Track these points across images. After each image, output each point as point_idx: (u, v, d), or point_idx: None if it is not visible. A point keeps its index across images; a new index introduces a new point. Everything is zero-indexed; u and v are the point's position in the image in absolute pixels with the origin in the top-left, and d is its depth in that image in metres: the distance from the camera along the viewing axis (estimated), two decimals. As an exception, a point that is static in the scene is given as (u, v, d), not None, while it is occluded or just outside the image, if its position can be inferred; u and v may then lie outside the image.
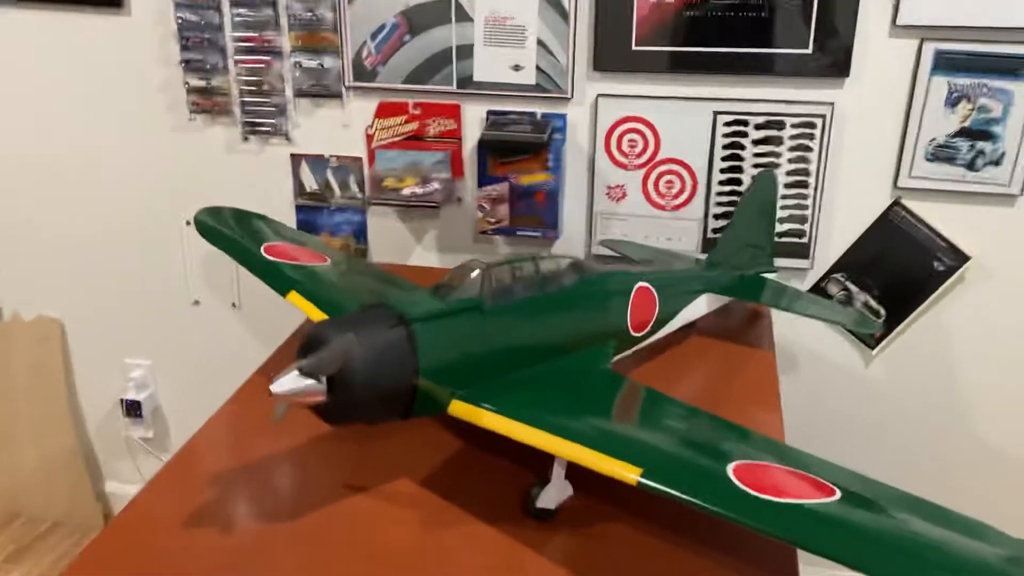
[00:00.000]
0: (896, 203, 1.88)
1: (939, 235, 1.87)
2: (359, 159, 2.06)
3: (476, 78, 1.93)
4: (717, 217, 1.94)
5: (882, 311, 1.96)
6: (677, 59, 1.83)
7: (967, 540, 0.92)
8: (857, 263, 1.94)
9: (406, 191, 1.98)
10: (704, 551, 1.10)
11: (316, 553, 1.09)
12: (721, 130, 1.88)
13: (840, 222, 1.91)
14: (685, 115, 1.88)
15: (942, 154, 1.81)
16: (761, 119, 1.86)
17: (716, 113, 1.87)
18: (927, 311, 1.92)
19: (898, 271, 1.92)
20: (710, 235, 1.95)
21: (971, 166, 1.81)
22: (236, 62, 2.01)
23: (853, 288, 1.96)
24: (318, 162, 2.08)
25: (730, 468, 1.00)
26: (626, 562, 1.09)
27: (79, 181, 2.22)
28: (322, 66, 1.98)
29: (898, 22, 1.74)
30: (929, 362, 1.97)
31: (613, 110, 1.90)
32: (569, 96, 1.91)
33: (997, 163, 1.80)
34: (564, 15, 1.85)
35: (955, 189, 1.83)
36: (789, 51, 1.79)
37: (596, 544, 1.12)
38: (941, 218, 1.86)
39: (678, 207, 1.95)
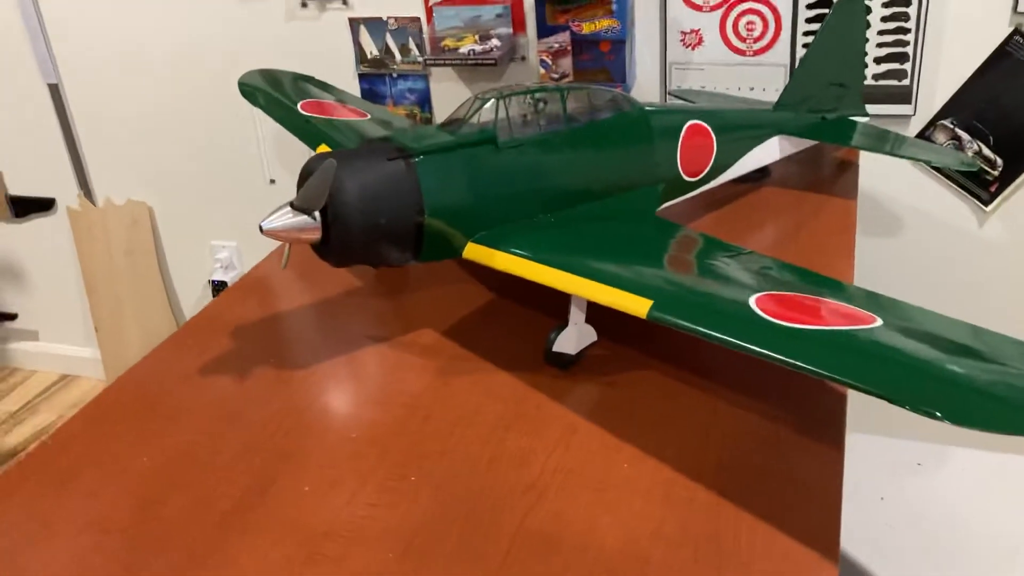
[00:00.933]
0: (1017, 31, 1.62)
1: (1069, 67, 1.61)
2: (417, 19, 1.96)
3: (534, -82, 1.77)
4: (804, 60, 1.74)
5: (998, 161, 1.72)
6: None
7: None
8: (969, 106, 1.70)
9: (464, 50, 1.87)
10: (739, 399, 0.99)
11: (319, 402, 1.05)
12: (807, -42, 1.66)
13: (948, 58, 1.68)
14: (765, -57, 1.67)
15: (1074, -32, 1.54)
16: (853, -59, 1.62)
17: (801, -62, 1.65)
18: (1052, 159, 1.68)
19: (1019, 114, 1.67)
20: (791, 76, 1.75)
21: (1110, -20, 1.53)
22: (287, -79, 1.93)
23: (964, 135, 1.73)
24: (377, 25, 1.99)
25: (754, 298, 0.87)
26: (647, 408, 0.99)
27: (153, 65, 2.22)
28: (372, -82, 1.87)
29: None
30: (1055, 218, 1.73)
31: (684, -56, 1.72)
32: (635, -69, 1.73)
33: None
34: None
35: (1090, 10, 1.56)
36: None
37: (616, 391, 1.03)
38: (1072, 47, 1.60)
39: (761, 51, 1.76)
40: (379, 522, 0.85)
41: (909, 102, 1.72)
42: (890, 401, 0.71)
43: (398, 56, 2.01)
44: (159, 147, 2.33)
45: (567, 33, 1.77)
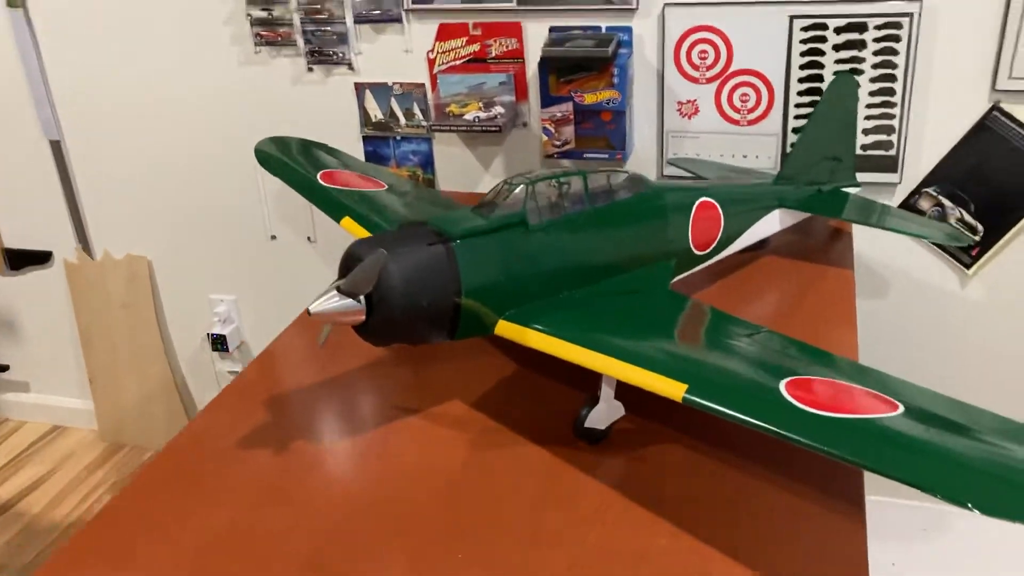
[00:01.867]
0: (995, 108, 1.72)
1: (1044, 141, 1.72)
2: (422, 85, 2.02)
3: (537, -7, 1.85)
4: (796, 131, 1.83)
5: (979, 227, 1.82)
6: (749, -39, 1.72)
7: None
8: (951, 176, 1.80)
9: (469, 116, 1.94)
10: (763, 474, 1.05)
11: (360, 477, 1.09)
12: (798, 36, 1.75)
13: (931, 131, 1.77)
14: (759, 21, 1.76)
15: (1048, 50, 1.65)
16: (841, 21, 1.72)
17: (792, 17, 1.74)
18: (1031, 225, 1.78)
19: (997, 183, 1.77)
20: (789, 150, 1.84)
21: (1081, 62, 1.64)
22: (296, -9, 1.99)
23: (947, 203, 1.82)
24: (382, 90, 2.05)
25: (783, 384, 0.94)
26: (677, 483, 1.05)
27: (157, 123, 2.26)
28: (380, -11, 1.94)
29: (996, -96, 1.57)
30: (1034, 281, 1.83)
31: (682, 20, 1.80)
32: (635, 7, 1.81)
33: (1111, 58, 1.62)
34: (627, -80, 1.75)
35: (1063, 89, 1.67)
36: (872, -56, 1.65)
37: (646, 465, 1.08)
38: (1046, 122, 1.70)
39: (754, 121, 1.85)
40: (433, 600, 0.89)
41: (895, 171, 1.81)
42: (921, 490, 0.77)
43: (402, 120, 2.07)
44: (161, 202, 2.36)
45: (570, 103, 1.84)
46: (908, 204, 1.85)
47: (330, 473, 1.10)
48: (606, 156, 1.88)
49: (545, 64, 1.82)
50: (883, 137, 1.78)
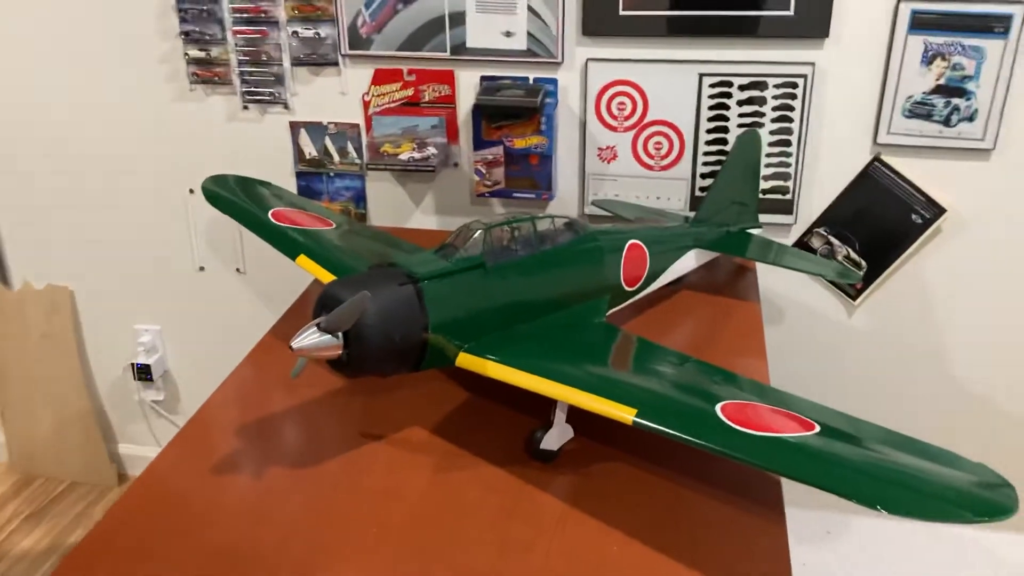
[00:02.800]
0: (876, 159, 1.95)
1: (917, 189, 1.95)
2: (356, 125, 2.12)
3: (469, 44, 1.98)
4: (704, 176, 2.02)
5: (863, 263, 2.04)
6: (663, 23, 1.90)
7: (940, 467, 1.01)
8: (838, 218, 2.02)
9: (404, 156, 2.05)
10: (695, 484, 1.19)
11: (336, 498, 1.18)
12: (707, 91, 1.95)
13: (822, 179, 1.99)
14: (672, 77, 1.94)
15: (919, 111, 1.89)
16: (745, 80, 1.92)
17: (702, 75, 1.93)
18: (906, 262, 2.01)
19: (878, 224, 2.00)
20: (698, 193, 2.03)
21: (947, 122, 1.88)
22: (234, 32, 2.06)
23: (835, 242, 2.04)
24: (317, 129, 2.14)
25: (719, 407, 1.09)
26: (623, 495, 1.18)
27: (85, 153, 2.28)
28: (319, 35, 2.03)
29: (876, -17, 1.80)
30: (908, 311, 2.06)
31: (603, 74, 1.97)
32: (560, 61, 1.97)
33: (971, 119, 1.87)
34: (553, -18, 1.90)
35: (932, 145, 1.90)
36: (771, 13, 1.85)
37: (595, 481, 1.21)
38: (918, 173, 1.94)
39: (666, 167, 2.03)
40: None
41: (791, 212, 2.02)
42: (844, 497, 0.93)
43: (336, 157, 2.16)
44: (88, 233, 2.37)
45: (501, 147, 1.98)
46: (802, 242, 2.06)
47: (309, 495, 1.18)
48: (533, 196, 2.03)
49: (479, 111, 1.96)
50: (780, 183, 1.99)
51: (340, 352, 1.15)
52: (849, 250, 2.04)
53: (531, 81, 2.00)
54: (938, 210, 1.96)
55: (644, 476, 1.22)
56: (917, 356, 2.10)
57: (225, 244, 2.32)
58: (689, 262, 1.69)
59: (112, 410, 2.64)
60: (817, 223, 2.04)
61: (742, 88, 1.93)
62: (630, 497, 1.18)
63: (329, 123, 2.13)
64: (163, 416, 2.58)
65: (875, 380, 2.14)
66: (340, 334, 1.14)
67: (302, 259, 1.53)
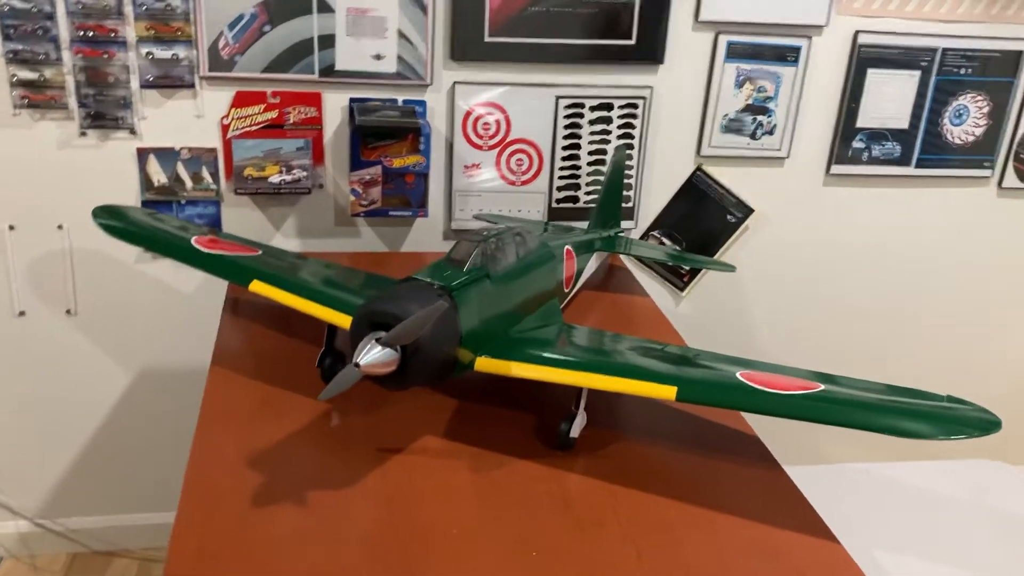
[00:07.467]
0: (699, 169, 2.27)
1: (730, 193, 2.30)
2: (213, 150, 2.04)
3: (338, 67, 2.01)
4: (560, 189, 2.21)
5: (689, 259, 2.36)
6: (525, 49, 2.06)
7: (916, 399, 1.25)
8: (669, 221, 2.32)
9: (274, 179, 2.02)
10: (698, 452, 1.37)
11: (397, 511, 1.20)
12: (562, 112, 2.15)
13: (656, 187, 2.28)
14: (532, 100, 2.12)
15: (732, 126, 2.23)
16: (595, 102, 2.15)
17: (558, 97, 2.13)
18: (723, 255, 2.36)
19: (700, 225, 2.33)
20: (554, 205, 2.22)
21: (753, 135, 2.25)
22: (75, 52, 1.90)
23: (667, 242, 2.34)
24: (168, 155, 2.03)
25: (738, 374, 1.27)
26: (647, 469, 1.32)
27: None
28: (176, 56, 1.94)
29: (699, 18, 2.11)
30: (725, 297, 2.41)
31: (468, 96, 2.09)
32: (428, 83, 2.06)
33: (771, 132, 2.26)
34: (423, 8, 1.99)
35: (742, 155, 2.26)
36: (617, 42, 2.10)
37: (615, 461, 1.34)
38: (732, 178, 2.29)
39: (527, 181, 2.20)
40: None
41: (632, 218, 2.28)
42: (865, 429, 1.15)
43: (189, 184, 2.06)
44: None
45: (379, 167, 2.03)
46: (639, 244, 2.33)
47: (370, 517, 1.17)
48: (409, 213, 2.10)
49: (358, 132, 1.99)
50: (625, 192, 2.24)
51: (395, 367, 1.17)
52: (678, 248, 2.34)
53: (400, 103, 2.06)
54: (747, 210, 2.32)
55: (650, 451, 1.37)
56: (734, 336, 2.46)
57: (51, 284, 2.10)
58: (593, 264, 1.87)
59: None
60: (652, 226, 2.32)
61: (592, 109, 2.16)
62: (651, 469, 1.32)
63: (182, 148, 2.03)
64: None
65: (700, 360, 2.47)
66: (399, 348, 1.16)
67: (257, 285, 1.48)
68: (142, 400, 2.26)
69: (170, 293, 2.14)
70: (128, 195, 2.03)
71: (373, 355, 1.14)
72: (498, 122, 2.12)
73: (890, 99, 2.28)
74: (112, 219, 1.65)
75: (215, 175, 2.06)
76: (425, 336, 1.18)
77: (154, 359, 2.22)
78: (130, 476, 2.34)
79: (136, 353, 2.20)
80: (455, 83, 2.07)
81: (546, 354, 1.32)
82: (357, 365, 1.14)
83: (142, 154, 2.01)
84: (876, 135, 2.31)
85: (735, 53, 2.17)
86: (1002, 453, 2.10)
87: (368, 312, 1.20)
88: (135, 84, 1.95)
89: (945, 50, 2.24)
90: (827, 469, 1.82)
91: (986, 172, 2.41)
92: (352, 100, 2.04)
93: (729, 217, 2.33)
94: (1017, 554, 1.63)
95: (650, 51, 2.12)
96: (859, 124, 2.29)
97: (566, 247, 1.67)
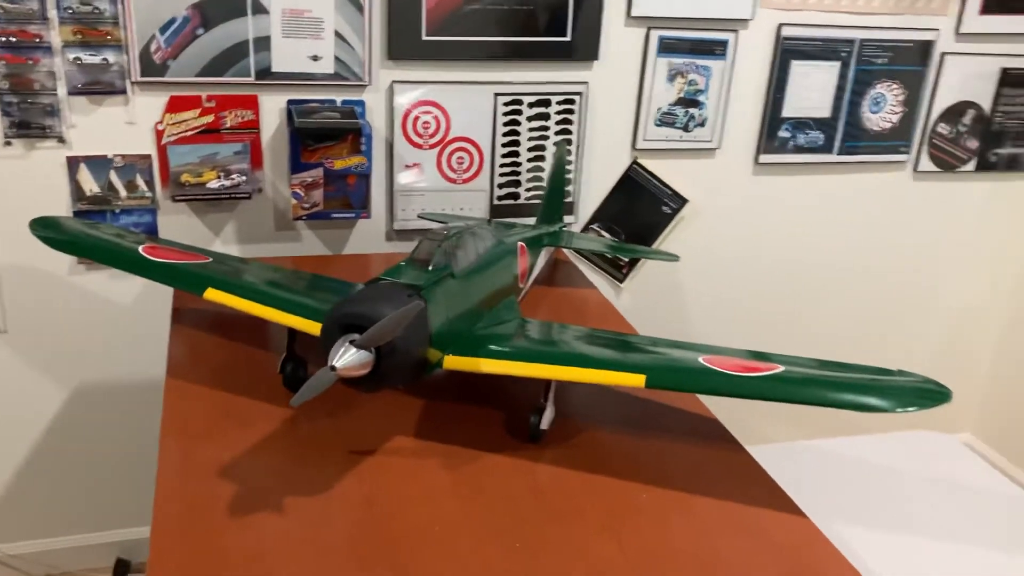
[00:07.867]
0: (634, 162, 2.32)
1: (665, 184, 2.36)
2: (147, 156, 1.99)
3: (275, 69, 1.98)
4: (501, 187, 2.23)
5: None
6: (462, 47, 2.07)
7: (883, 375, 1.30)
8: (607, 214, 2.36)
9: (213, 184, 1.98)
10: (660, 437, 1.41)
11: (382, 512, 1.20)
12: (501, 109, 2.16)
13: (594, 181, 2.31)
14: (471, 97, 2.13)
15: (666, 120, 2.29)
16: (533, 98, 2.17)
17: (496, 95, 2.14)
18: (660, 246, 2.41)
19: (638, 217, 2.38)
20: (495, 202, 2.24)
21: (686, 128, 2.31)
22: (-4, 59, 1.82)
23: (606, 235, 2.38)
24: (100, 163, 1.97)
25: (702, 359, 1.31)
26: (614, 457, 1.35)
27: None
28: (106, 61, 1.88)
29: (632, 14, 2.16)
30: (663, 286, 2.47)
31: (407, 95, 2.09)
32: (366, 83, 2.05)
33: (703, 124, 2.32)
34: (359, 8, 1.98)
35: (675, 147, 2.32)
36: (553, 39, 2.12)
37: (584, 450, 1.36)
38: (666, 171, 2.35)
39: (468, 180, 2.20)
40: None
41: (572, 213, 2.31)
42: (828, 406, 1.20)
43: (123, 192, 2.00)
44: None
45: (320, 169, 2.01)
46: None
47: (351, 520, 1.17)
48: (352, 215, 2.08)
49: (298, 134, 1.96)
50: (565, 188, 2.27)
51: (370, 368, 1.17)
52: (618, 240, 2.39)
53: (338, 103, 2.04)
54: (682, 201, 2.38)
55: (617, 438, 1.40)
56: (673, 322, 2.52)
57: (-29, 301, 2.01)
58: (543, 259, 1.90)
59: None
60: (591, 220, 2.36)
61: (531, 105, 2.18)
62: (620, 456, 1.35)
63: (115, 155, 1.97)
64: None
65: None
66: (373, 349, 1.16)
67: (212, 292, 1.46)
68: (79, 418, 2.18)
69: (108, 305, 2.08)
70: (58, 206, 1.96)
71: (348, 357, 1.14)
72: (437, 120, 2.13)
73: (813, 89, 2.37)
74: (50, 231, 1.59)
75: (150, 183, 2.01)
76: (399, 337, 1.18)
77: (91, 374, 2.15)
78: (66, 497, 2.26)
79: (72, 369, 2.13)
80: (393, 82, 2.06)
81: (514, 349, 1.34)
82: (333, 368, 1.13)
83: (72, 163, 1.95)
84: (801, 124, 2.39)
85: (666, 48, 2.22)
86: (930, 423, 2.21)
87: (341, 315, 1.19)
88: (62, 91, 1.89)
89: (863, 41, 2.34)
90: (775, 447, 1.89)
91: (903, 157, 2.52)
92: (290, 102, 2.01)
93: (665, 208, 2.38)
94: (968, 519, 1.72)
95: (585, 47, 2.15)
96: (784, 114, 2.37)
97: (519, 243, 1.69)
